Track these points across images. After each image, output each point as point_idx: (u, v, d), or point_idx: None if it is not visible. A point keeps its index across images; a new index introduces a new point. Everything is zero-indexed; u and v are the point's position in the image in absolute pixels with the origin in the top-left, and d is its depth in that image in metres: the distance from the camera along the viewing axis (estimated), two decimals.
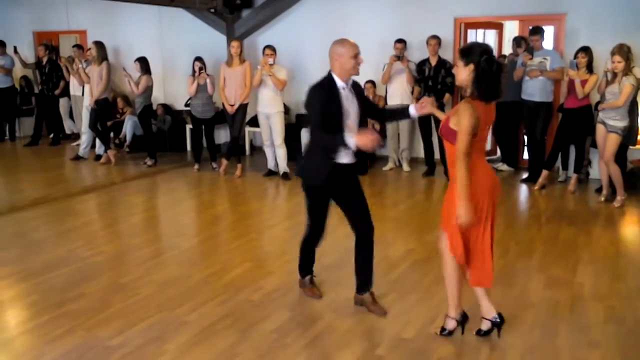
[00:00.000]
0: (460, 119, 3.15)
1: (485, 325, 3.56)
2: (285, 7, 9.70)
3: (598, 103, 7.01)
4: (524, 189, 7.57)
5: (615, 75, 6.43)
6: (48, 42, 11.15)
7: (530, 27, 7.83)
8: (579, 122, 7.10)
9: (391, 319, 3.83)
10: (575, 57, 6.97)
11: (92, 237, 5.73)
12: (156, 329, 3.71)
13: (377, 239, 4.56)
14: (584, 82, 6.86)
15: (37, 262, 4.92)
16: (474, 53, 3.20)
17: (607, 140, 6.50)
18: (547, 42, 7.96)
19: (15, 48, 10.88)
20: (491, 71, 3.17)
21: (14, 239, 5.68)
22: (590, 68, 6.89)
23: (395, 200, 7.23)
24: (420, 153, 8.62)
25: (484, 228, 3.36)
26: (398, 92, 8.33)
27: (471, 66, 3.18)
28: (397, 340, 3.54)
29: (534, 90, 7.51)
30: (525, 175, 7.92)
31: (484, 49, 3.23)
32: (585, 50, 6.88)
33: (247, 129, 9.75)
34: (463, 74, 3.23)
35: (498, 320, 3.51)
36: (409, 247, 5.26)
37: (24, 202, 6.83)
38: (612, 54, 6.37)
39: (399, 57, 8.13)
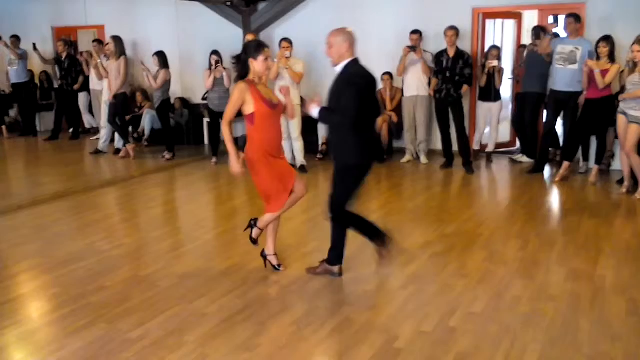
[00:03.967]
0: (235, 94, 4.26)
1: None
2: (302, 0, 9.67)
3: (618, 93, 6.91)
4: (544, 180, 7.48)
5: (635, 64, 6.32)
6: (67, 38, 11.27)
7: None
8: (600, 112, 6.99)
9: (410, 312, 3.82)
10: (597, 46, 6.86)
11: (112, 230, 5.79)
12: (176, 321, 3.74)
13: (395, 231, 4.55)
14: (604, 72, 6.74)
15: (58, 255, 4.98)
16: None
17: (629, 131, 6.40)
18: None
19: (34, 45, 10.97)
20: None
21: (35, 232, 5.74)
22: (612, 57, 6.78)
23: (413, 193, 7.19)
24: (438, 145, 8.56)
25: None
26: (414, 84, 8.29)
27: (262, 57, 4.16)
28: (416, 333, 3.53)
29: (564, 80, 7.37)
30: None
31: None
32: (607, 39, 6.76)
33: None
34: (260, 66, 4.20)
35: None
36: (427, 239, 5.23)
37: (45, 196, 6.90)
38: (633, 43, 6.26)
39: (413, 48, 8.06)
